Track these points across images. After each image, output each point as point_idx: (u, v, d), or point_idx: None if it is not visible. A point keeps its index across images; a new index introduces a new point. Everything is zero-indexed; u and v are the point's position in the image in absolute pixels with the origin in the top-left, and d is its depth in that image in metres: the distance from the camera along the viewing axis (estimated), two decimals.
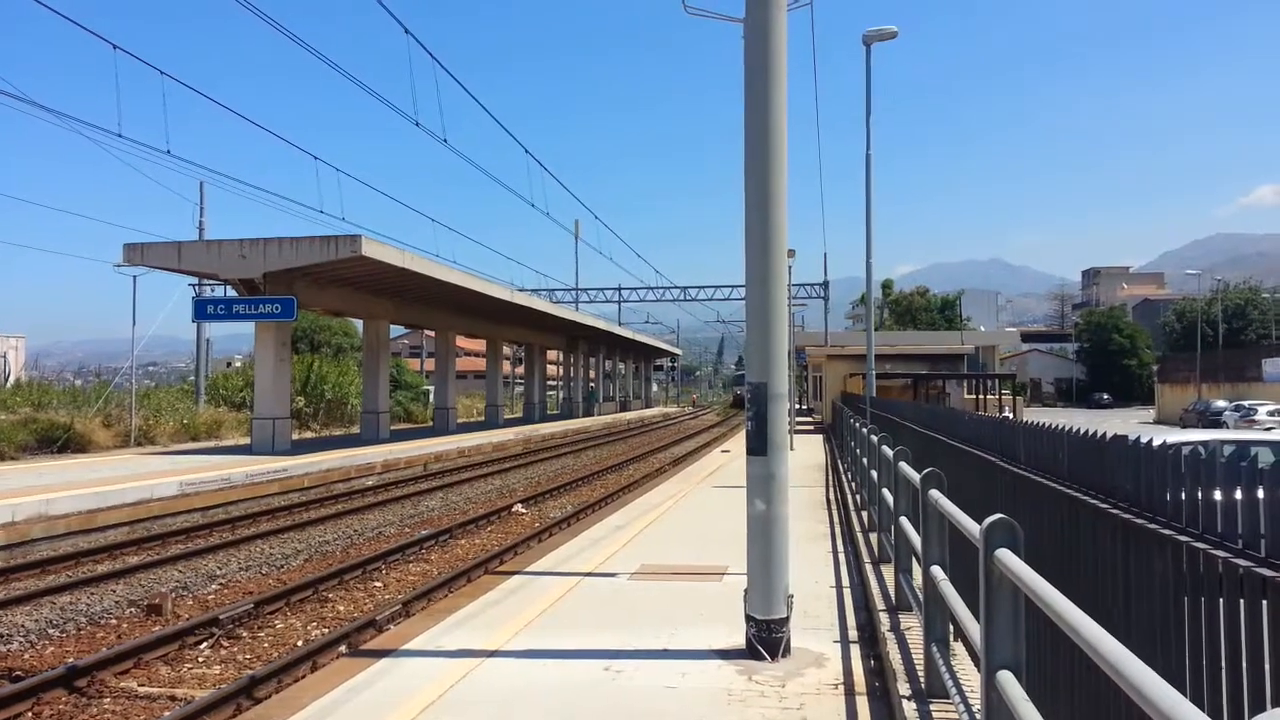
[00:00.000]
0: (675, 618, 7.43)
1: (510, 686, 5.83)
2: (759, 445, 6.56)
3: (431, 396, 45.51)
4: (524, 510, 18.23)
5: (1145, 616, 2.92)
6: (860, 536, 10.71)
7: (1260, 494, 2.34)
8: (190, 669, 8.33)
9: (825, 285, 51.89)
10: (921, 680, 5.04)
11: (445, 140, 14.75)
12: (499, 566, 11.47)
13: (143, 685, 7.80)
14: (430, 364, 54.51)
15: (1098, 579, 3.42)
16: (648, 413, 77.43)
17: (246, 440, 29.62)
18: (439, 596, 10.38)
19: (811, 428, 41.03)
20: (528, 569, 9.67)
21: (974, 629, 3.89)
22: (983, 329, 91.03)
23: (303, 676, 7.32)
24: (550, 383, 71.20)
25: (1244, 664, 2.28)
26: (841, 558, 10.02)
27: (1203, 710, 1.90)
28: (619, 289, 59.99)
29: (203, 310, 28.44)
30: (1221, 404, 49.96)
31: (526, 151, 18.29)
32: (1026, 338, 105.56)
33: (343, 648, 8.48)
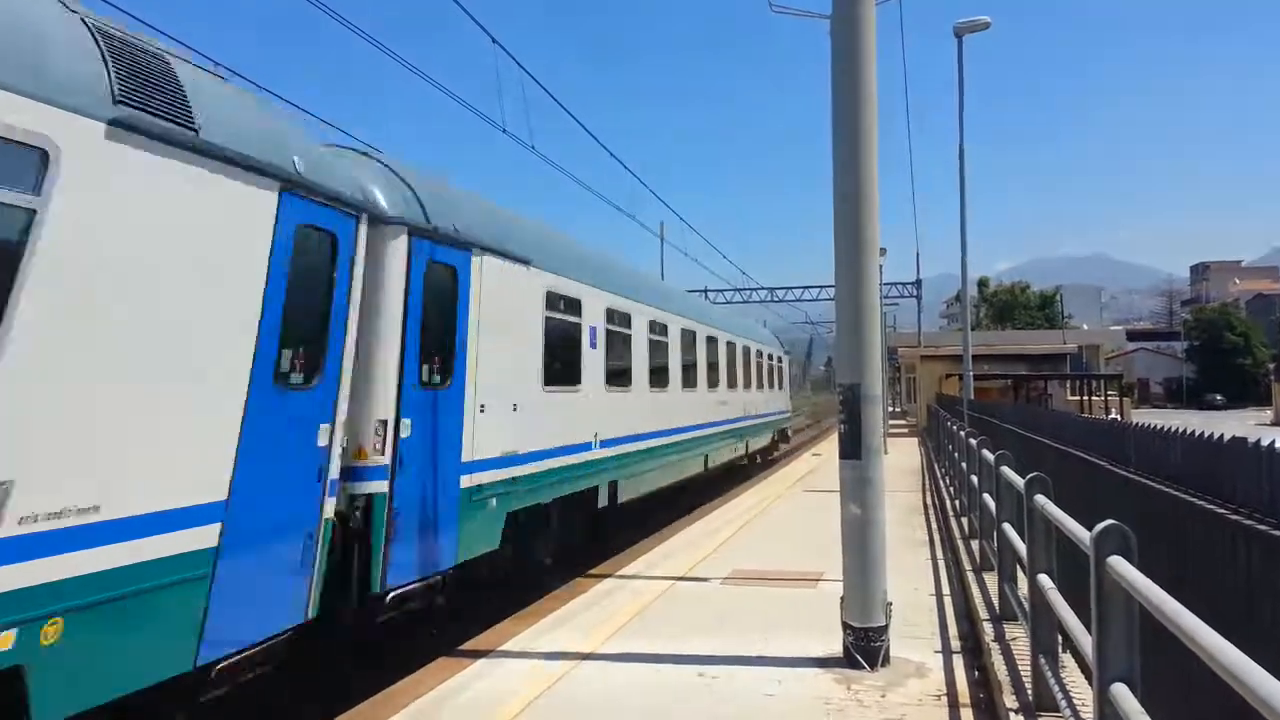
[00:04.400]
0: (769, 624, 7.35)
1: (606, 690, 5.85)
2: (852, 449, 6.45)
3: None
4: None
5: (1271, 626, 2.76)
6: (960, 543, 10.43)
7: None
8: None
9: (918, 284, 50.77)
10: (1029, 692, 4.88)
11: (533, 147, 14.93)
12: (591, 569, 11.53)
13: None
14: None
15: (1218, 586, 3.26)
16: None
17: None
18: (532, 598, 10.48)
19: (905, 431, 40.20)
20: (619, 572, 9.70)
21: (1085, 640, 3.75)
22: (1085, 327, 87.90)
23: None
24: None
25: None
26: (941, 565, 9.77)
27: None
28: (705, 291, 59.69)
29: None
30: None
31: (612, 155, 18.43)
32: (1132, 336, 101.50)
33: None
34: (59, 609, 4.20)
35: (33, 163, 4.13)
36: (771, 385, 27.03)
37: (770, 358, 26.96)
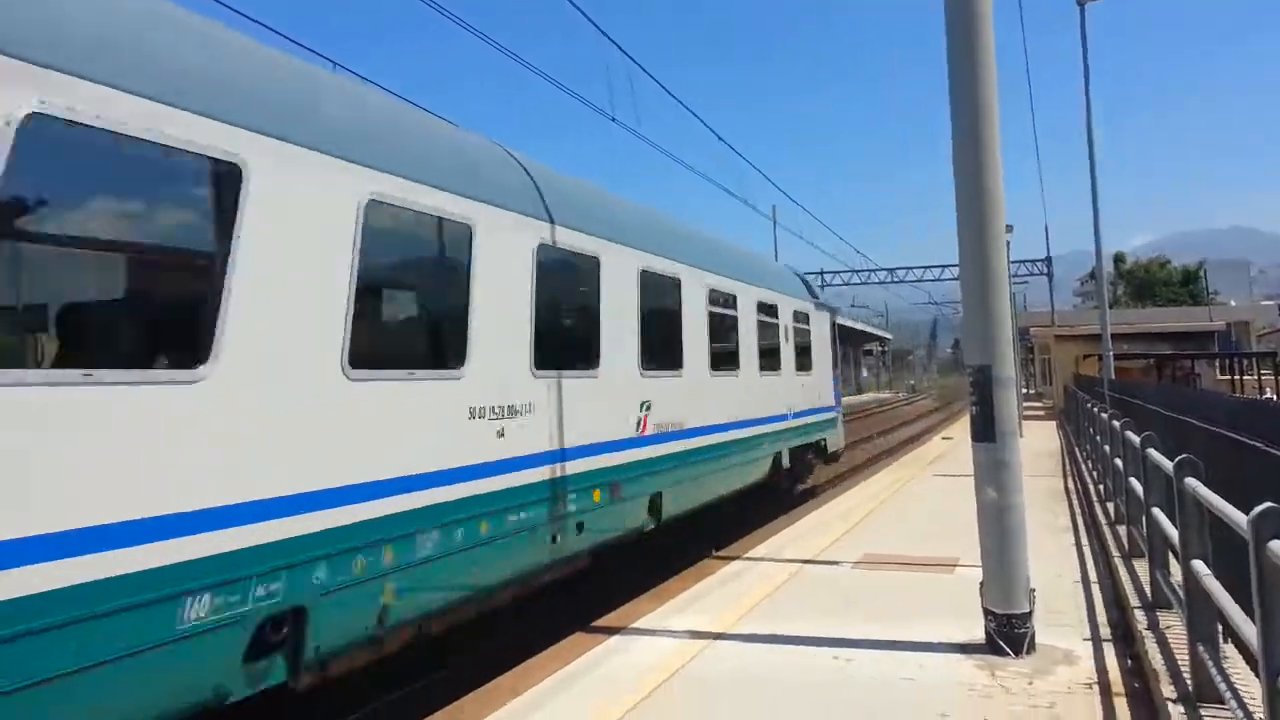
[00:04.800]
0: (904, 609, 7.25)
1: (740, 669, 5.92)
2: (985, 432, 6.28)
3: None
4: None
5: None
6: (1106, 529, 10.03)
7: None
8: None
9: (1048, 261, 48.75)
10: (1188, 682, 4.69)
11: (637, 132, 15.02)
12: (718, 551, 11.60)
13: None
14: None
15: None
16: (860, 398, 75.72)
17: None
18: (661, 579, 10.61)
19: (1042, 413, 38.72)
20: (747, 555, 9.74)
21: (1248, 629, 3.60)
22: (1233, 303, 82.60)
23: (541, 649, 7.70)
24: None
25: None
26: (1086, 551, 9.43)
27: None
28: (821, 273, 58.51)
29: None
30: None
31: (719, 138, 18.35)
32: None
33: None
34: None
35: None
36: (775, 367, 14.17)
37: (777, 312, 14.37)
